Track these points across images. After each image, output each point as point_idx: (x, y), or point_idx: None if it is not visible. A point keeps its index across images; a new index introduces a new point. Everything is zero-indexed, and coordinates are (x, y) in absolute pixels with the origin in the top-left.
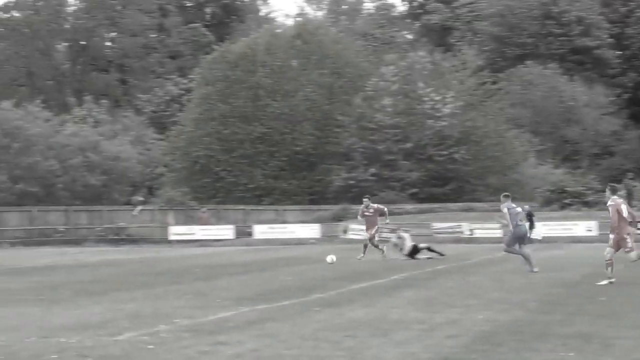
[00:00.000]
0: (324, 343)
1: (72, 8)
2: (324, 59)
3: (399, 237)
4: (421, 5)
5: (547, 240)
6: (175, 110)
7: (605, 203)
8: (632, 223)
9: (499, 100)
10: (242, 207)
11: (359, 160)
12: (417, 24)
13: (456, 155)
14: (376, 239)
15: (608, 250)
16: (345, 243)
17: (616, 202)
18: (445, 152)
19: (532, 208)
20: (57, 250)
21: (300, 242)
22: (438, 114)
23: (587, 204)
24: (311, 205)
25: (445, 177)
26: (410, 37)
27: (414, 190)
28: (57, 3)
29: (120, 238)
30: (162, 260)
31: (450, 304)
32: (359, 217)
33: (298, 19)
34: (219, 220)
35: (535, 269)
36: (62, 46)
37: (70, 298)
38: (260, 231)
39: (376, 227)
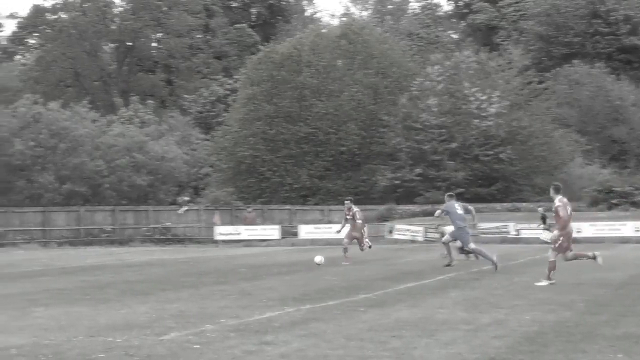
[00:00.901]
0: (370, 343)
1: (119, 9)
2: (369, 59)
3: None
4: (467, 5)
5: (594, 241)
6: (221, 111)
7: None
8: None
9: (545, 100)
10: (287, 207)
11: (405, 160)
12: (463, 24)
13: (502, 155)
14: (364, 241)
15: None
16: (391, 243)
17: (563, 202)
18: (491, 152)
19: (546, 210)
20: (104, 250)
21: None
22: (484, 114)
23: (635, 204)
24: (357, 205)
25: (491, 177)
26: (455, 36)
27: (460, 190)
28: (103, 4)
29: (166, 238)
30: (208, 260)
31: (497, 305)
32: (343, 220)
33: (343, 19)
34: (265, 220)
35: (454, 263)
36: (108, 47)
37: (117, 297)
38: (306, 231)
39: (362, 230)
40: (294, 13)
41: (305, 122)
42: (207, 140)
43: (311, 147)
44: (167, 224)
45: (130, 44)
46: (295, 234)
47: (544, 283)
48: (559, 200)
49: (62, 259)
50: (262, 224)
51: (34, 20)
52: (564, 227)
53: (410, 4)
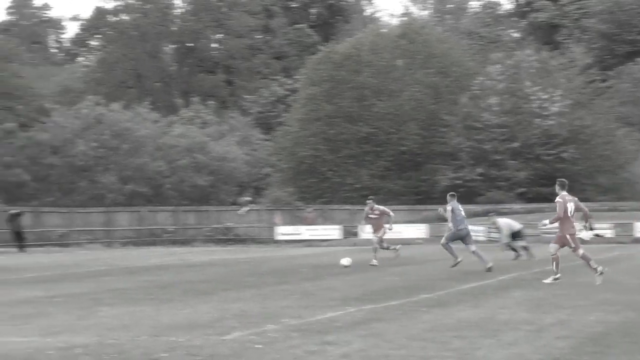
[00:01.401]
0: (432, 343)
1: (179, 10)
2: (429, 59)
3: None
4: (528, 3)
5: None
6: (281, 111)
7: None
8: (585, 219)
9: (608, 99)
10: (348, 207)
11: (466, 160)
12: (524, 22)
13: (564, 155)
14: (383, 241)
15: (552, 246)
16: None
17: (564, 198)
18: (553, 152)
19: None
20: (166, 250)
21: (406, 242)
22: (545, 113)
23: None
24: (418, 205)
25: (553, 177)
26: (516, 35)
27: (522, 189)
28: (164, 6)
29: (227, 238)
30: (269, 260)
31: (560, 305)
32: (363, 220)
33: (403, 18)
34: (325, 220)
35: (460, 259)
36: (169, 48)
37: (180, 297)
38: (368, 231)
39: (383, 229)
40: (354, 13)
41: (365, 122)
42: (268, 140)
43: (372, 147)
44: (228, 224)
45: (190, 44)
46: (356, 234)
47: (549, 280)
48: (560, 197)
49: (125, 259)
50: (323, 224)
51: (96, 22)
52: (555, 222)
53: (471, 3)
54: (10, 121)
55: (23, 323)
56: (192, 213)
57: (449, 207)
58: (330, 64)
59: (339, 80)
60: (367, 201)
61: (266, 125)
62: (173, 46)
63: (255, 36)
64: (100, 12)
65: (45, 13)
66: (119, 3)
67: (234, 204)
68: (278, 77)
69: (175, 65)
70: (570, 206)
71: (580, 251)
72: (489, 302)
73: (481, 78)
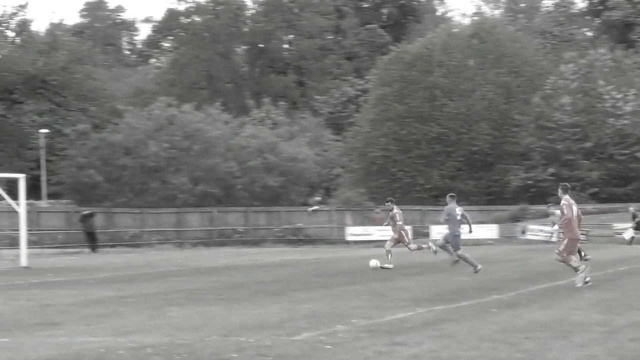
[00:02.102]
0: (503, 345)
1: (251, 12)
2: (501, 58)
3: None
4: (602, 2)
5: None
6: (352, 111)
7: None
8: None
9: None
10: (419, 207)
11: (538, 160)
12: (598, 21)
13: (638, 154)
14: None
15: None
16: (524, 244)
17: (569, 201)
18: (626, 151)
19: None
20: (236, 250)
21: (477, 242)
22: (619, 112)
23: None
24: (489, 206)
25: (627, 177)
26: (590, 34)
27: (595, 190)
28: (236, 7)
29: (298, 239)
30: (339, 260)
31: (633, 306)
32: (385, 223)
33: (475, 18)
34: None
35: (456, 258)
36: (241, 49)
37: (250, 298)
38: (438, 232)
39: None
40: (425, 13)
41: (436, 122)
42: (339, 141)
43: (442, 147)
44: (298, 224)
45: (262, 45)
46: (426, 235)
47: (579, 284)
48: (565, 200)
49: (196, 260)
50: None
51: (169, 24)
52: (565, 224)
53: (544, 1)
54: (84, 123)
55: (95, 323)
56: (262, 214)
57: (444, 212)
58: (401, 64)
59: (410, 81)
60: (386, 202)
61: (337, 125)
62: (244, 47)
63: (327, 37)
64: (172, 14)
65: (118, 15)
66: (191, 4)
67: (304, 204)
68: (349, 78)
69: (246, 66)
70: (575, 209)
71: (565, 254)
72: (561, 303)
73: (554, 77)
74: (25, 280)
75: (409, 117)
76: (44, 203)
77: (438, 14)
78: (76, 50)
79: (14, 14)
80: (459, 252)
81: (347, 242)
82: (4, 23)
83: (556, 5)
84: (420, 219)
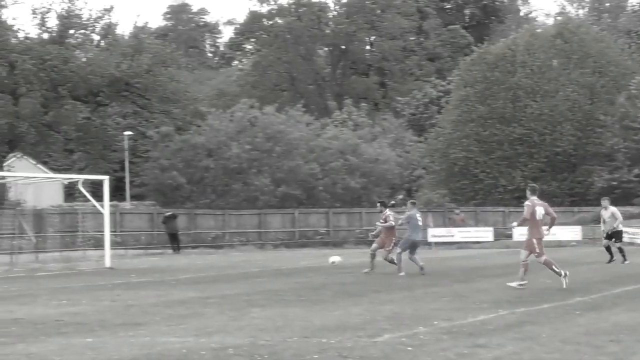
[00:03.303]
0: (586, 347)
1: (333, 13)
2: (585, 58)
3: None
4: None
5: None
6: (434, 113)
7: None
8: (551, 224)
9: None
10: (501, 209)
11: (622, 161)
12: None
13: None
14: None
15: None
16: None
17: (533, 202)
18: None
19: None
20: (318, 252)
21: (560, 244)
22: None
23: None
24: (572, 207)
25: None
26: None
27: None
28: (318, 9)
29: None
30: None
31: None
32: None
33: (559, 18)
34: (478, 222)
35: (401, 273)
36: (323, 51)
37: (331, 299)
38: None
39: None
40: (508, 13)
41: (519, 123)
42: (420, 142)
43: (525, 149)
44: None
45: (344, 47)
46: (509, 236)
47: (514, 284)
48: (529, 201)
49: (278, 261)
50: (475, 226)
51: (251, 26)
52: (522, 224)
53: (629, 0)
54: (167, 125)
55: (177, 323)
56: (344, 215)
57: (404, 216)
58: (484, 64)
59: (492, 81)
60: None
61: (419, 127)
62: (326, 49)
63: (409, 38)
64: (254, 16)
65: (201, 18)
66: (273, 7)
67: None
68: (431, 79)
69: (328, 68)
70: (539, 210)
71: (543, 257)
72: None
73: (639, 77)
74: (109, 281)
75: (492, 118)
76: (127, 204)
77: (521, 14)
78: (160, 53)
79: (100, 18)
80: (400, 252)
81: (429, 244)
82: (90, 27)
83: None
84: (502, 221)
